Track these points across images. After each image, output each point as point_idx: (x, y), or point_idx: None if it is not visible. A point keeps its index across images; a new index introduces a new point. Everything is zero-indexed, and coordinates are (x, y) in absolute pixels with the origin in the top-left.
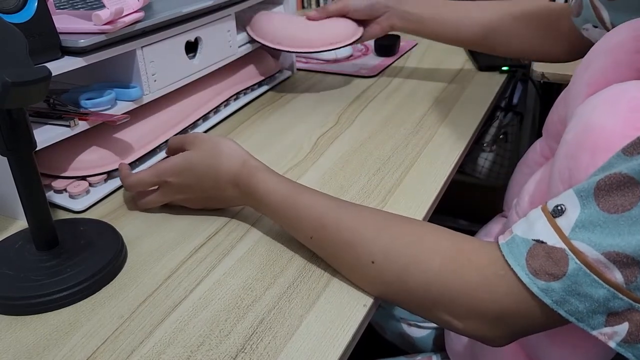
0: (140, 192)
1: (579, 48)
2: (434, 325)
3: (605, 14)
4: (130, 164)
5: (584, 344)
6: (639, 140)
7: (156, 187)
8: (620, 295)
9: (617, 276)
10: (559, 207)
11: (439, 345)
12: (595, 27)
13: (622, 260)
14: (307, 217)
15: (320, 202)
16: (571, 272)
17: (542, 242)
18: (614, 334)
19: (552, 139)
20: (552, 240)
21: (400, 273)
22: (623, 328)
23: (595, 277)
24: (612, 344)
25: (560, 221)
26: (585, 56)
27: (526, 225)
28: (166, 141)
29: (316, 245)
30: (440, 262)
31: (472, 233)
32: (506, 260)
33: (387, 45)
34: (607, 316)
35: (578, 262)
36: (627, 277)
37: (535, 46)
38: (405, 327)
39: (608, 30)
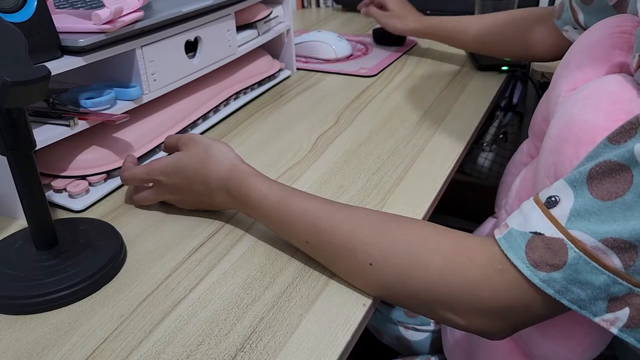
0: (136, 188)
1: (559, 49)
2: (432, 328)
3: (580, 16)
4: None
5: (577, 335)
6: (623, 129)
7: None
8: (620, 280)
9: (616, 261)
10: (553, 199)
11: (436, 347)
12: (575, 28)
13: (620, 246)
14: (302, 222)
15: (314, 206)
16: (571, 261)
17: (540, 233)
18: (615, 320)
19: (537, 138)
20: (550, 231)
21: (400, 275)
22: (624, 313)
23: (594, 264)
24: (614, 330)
25: (555, 212)
26: (564, 56)
27: (521, 218)
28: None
29: (313, 250)
30: (441, 262)
31: (471, 233)
32: (505, 255)
33: (389, 35)
34: (609, 302)
35: (577, 250)
36: (625, 262)
37: (519, 48)
38: (402, 330)
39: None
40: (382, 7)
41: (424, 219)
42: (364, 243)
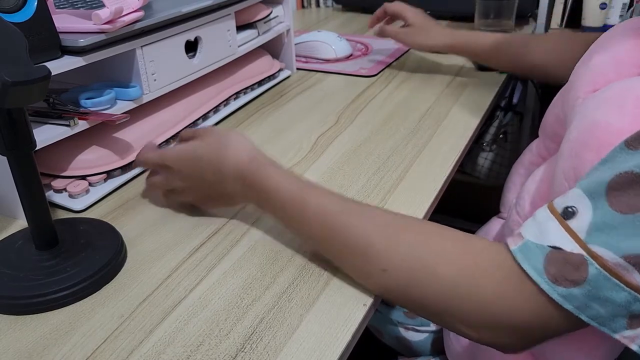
0: (151, 172)
1: None
2: (432, 328)
3: None
4: (129, 164)
5: (592, 342)
6: None
7: None
8: None
9: (638, 278)
10: (570, 209)
11: (437, 348)
12: None
13: None
14: (316, 219)
15: (330, 203)
16: (591, 277)
17: (559, 248)
18: (635, 337)
19: (549, 138)
20: (569, 245)
21: (413, 283)
22: None
23: (616, 280)
24: (634, 347)
25: (573, 224)
26: (584, 55)
27: (536, 229)
28: (166, 141)
29: (325, 249)
30: (456, 273)
31: (472, 233)
32: (522, 268)
33: None
34: (629, 319)
35: (598, 266)
36: None
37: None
38: (402, 330)
39: None
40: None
41: (424, 218)
42: (377, 248)
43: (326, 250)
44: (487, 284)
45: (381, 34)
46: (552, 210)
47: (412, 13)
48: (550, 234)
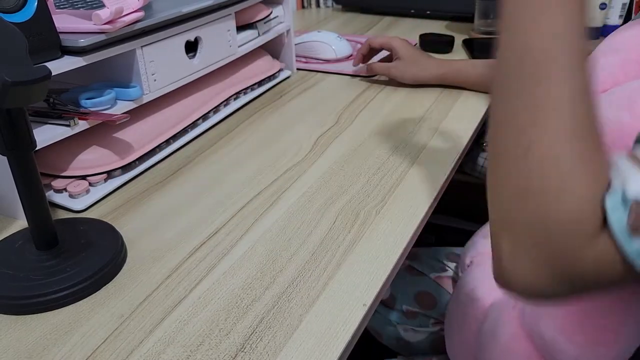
0: None
1: None
2: (432, 329)
3: None
4: (129, 164)
5: (605, 341)
6: None
7: None
8: None
9: None
10: None
11: (436, 348)
12: None
13: None
14: (530, 49)
15: (560, 53)
16: None
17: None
18: None
19: None
20: None
21: (516, 196)
22: None
23: None
24: None
25: None
26: (590, 56)
27: (619, 179)
28: (166, 141)
29: (499, 77)
30: (570, 209)
31: (472, 233)
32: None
33: (437, 42)
34: None
35: None
36: None
37: None
38: (401, 331)
39: None
40: (370, 54)
41: (423, 218)
42: (544, 131)
43: (499, 80)
44: (580, 234)
45: (371, 72)
46: (635, 160)
47: (400, 44)
48: (632, 185)
